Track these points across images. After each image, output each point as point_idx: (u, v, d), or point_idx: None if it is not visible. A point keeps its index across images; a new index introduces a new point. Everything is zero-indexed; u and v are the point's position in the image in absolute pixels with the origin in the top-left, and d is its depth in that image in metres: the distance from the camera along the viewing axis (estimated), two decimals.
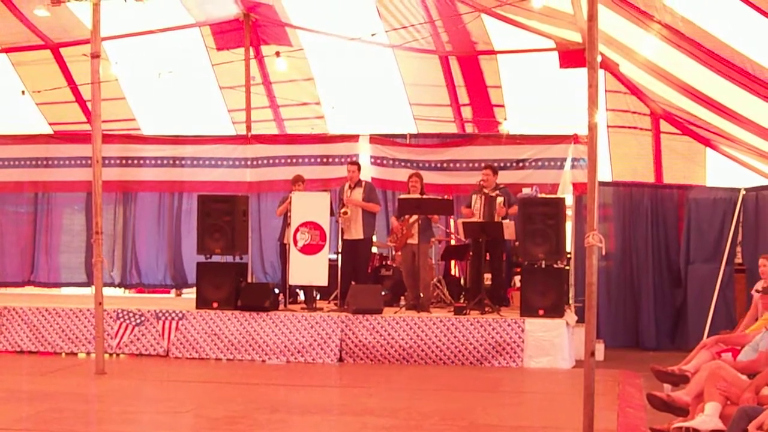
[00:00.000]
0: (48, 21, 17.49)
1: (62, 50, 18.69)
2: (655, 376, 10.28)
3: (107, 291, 15.91)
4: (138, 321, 15.35)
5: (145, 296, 19.06)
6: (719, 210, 16.53)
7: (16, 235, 19.44)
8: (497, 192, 15.57)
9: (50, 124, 19.88)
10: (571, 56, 15.65)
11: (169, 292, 19.09)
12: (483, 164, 16.33)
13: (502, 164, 16.66)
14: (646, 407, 9.97)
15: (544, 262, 14.85)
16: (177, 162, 18.37)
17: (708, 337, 12.93)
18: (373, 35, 14.70)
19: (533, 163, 16.97)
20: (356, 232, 15.88)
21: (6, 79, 19.04)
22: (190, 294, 17.37)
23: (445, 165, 17.43)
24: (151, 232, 19.04)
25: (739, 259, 16.42)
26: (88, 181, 14.77)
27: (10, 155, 18.75)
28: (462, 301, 16.04)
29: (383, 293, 15.64)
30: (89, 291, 16.73)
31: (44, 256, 19.34)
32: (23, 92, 17.88)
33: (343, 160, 17.27)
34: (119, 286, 19.18)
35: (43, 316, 15.61)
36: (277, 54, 16.61)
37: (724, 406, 8.13)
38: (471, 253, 15.84)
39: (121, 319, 15.35)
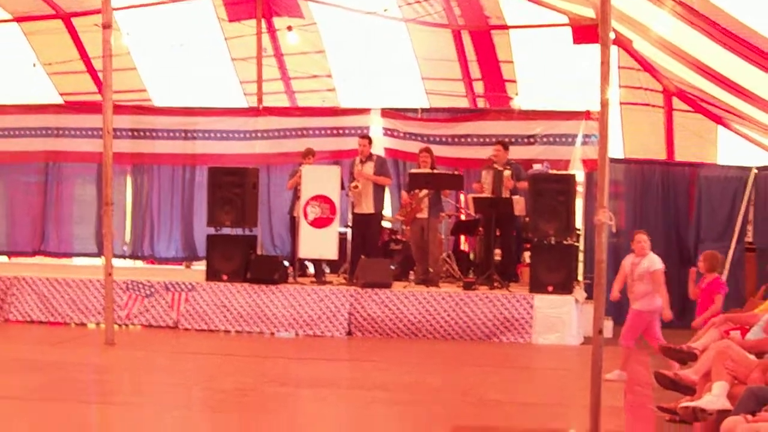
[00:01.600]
0: None
1: (74, 20, 18.62)
2: (662, 353, 10.26)
3: (118, 262, 15.94)
4: (148, 292, 15.39)
5: (155, 267, 19.07)
6: (730, 188, 16.47)
7: (27, 205, 19.48)
8: (506, 166, 15.56)
9: (61, 94, 19.81)
10: (585, 32, 15.56)
11: (180, 264, 19.11)
12: (494, 139, 16.32)
13: (513, 140, 16.63)
14: (654, 385, 9.97)
15: (553, 238, 14.85)
16: (189, 134, 18.39)
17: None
18: (385, 10, 14.65)
19: (544, 139, 16.94)
20: (367, 207, 15.87)
21: (18, 48, 19.00)
22: (200, 266, 17.37)
23: (456, 139, 17.41)
24: (164, 204, 19.07)
25: (749, 238, 16.38)
26: (99, 152, 14.75)
27: (21, 125, 18.81)
28: (471, 276, 16.03)
29: (392, 267, 15.66)
30: (99, 262, 16.75)
31: (54, 226, 19.36)
32: (34, 64, 17.87)
33: (354, 132, 17.27)
34: (130, 257, 19.22)
35: (53, 286, 15.65)
36: (289, 28, 16.59)
37: (732, 385, 8.11)
38: (481, 229, 15.84)
39: (131, 290, 15.39)
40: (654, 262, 11.63)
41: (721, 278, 11.25)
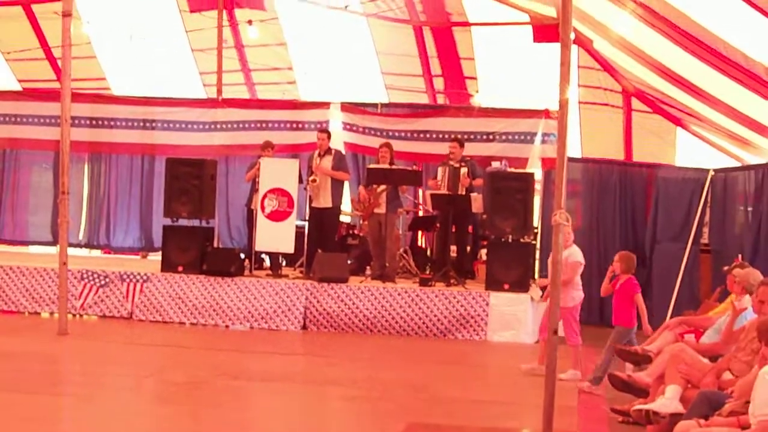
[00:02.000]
0: None
1: (34, 7, 18.46)
2: (617, 354, 10.32)
3: (73, 251, 15.81)
4: (102, 282, 15.27)
5: (110, 257, 18.96)
6: (687, 190, 16.55)
7: None
8: (462, 163, 15.57)
9: (19, 80, 19.69)
10: (545, 31, 15.61)
11: (137, 255, 19.00)
12: (454, 135, 16.33)
13: (472, 137, 16.66)
14: (607, 386, 10.02)
15: (511, 236, 14.86)
16: (148, 124, 18.32)
17: (671, 317, 13.01)
18: (346, 7, 14.62)
19: (503, 137, 16.99)
20: (324, 201, 15.82)
21: None
22: (156, 257, 17.27)
23: (415, 135, 17.46)
24: (121, 194, 18.97)
25: (705, 240, 16.48)
26: (56, 140, 14.63)
27: None
28: (428, 272, 16.03)
29: (349, 262, 15.63)
30: (55, 250, 16.62)
31: (10, 214, 19.22)
32: None
33: (313, 126, 17.26)
34: (86, 246, 19.10)
35: (6, 274, 15.49)
36: (249, 22, 16.53)
37: (685, 389, 8.16)
38: (438, 225, 15.84)
39: (86, 280, 15.26)
40: (573, 254, 11.62)
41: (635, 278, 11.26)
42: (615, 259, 11.31)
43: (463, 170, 15.46)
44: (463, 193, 15.43)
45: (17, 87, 19.54)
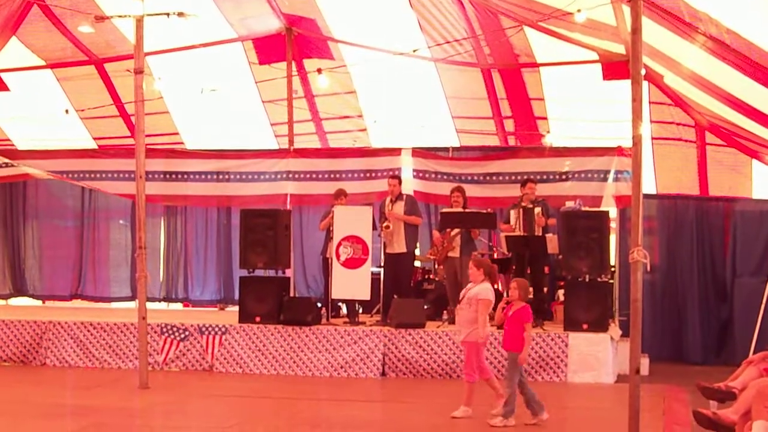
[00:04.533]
0: (92, 36, 17.62)
1: (106, 65, 18.77)
2: (701, 392, 10.16)
3: (153, 305, 15.96)
4: (182, 336, 15.39)
5: (189, 310, 19.12)
6: (766, 222, 16.36)
7: (64, 249, 19.70)
8: (535, 204, 15.52)
9: (94, 138, 19.99)
10: (615, 68, 15.53)
11: (215, 307, 19.14)
12: (526, 177, 16.27)
13: (544, 177, 16.60)
14: (693, 424, 9.85)
15: (587, 275, 14.76)
16: (221, 177, 18.47)
17: (754, 352, 12.81)
18: (415, 51, 14.66)
19: (576, 176, 16.87)
20: (399, 246, 15.85)
21: (51, 94, 19.17)
22: (234, 309, 17.37)
23: (487, 178, 17.38)
24: (198, 247, 19.19)
25: None
26: (132, 194, 14.81)
27: (58, 168, 18.98)
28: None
29: (426, 307, 15.60)
30: (135, 305, 16.79)
31: (91, 270, 19.54)
32: (66, 111, 18.06)
33: (385, 174, 17.29)
34: (165, 300, 19.30)
35: (88, 330, 15.67)
36: (319, 71, 16.66)
37: None
38: (513, 267, 15.76)
39: (166, 334, 15.40)
40: (485, 290, 11.45)
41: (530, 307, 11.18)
42: (512, 286, 11.27)
43: (537, 210, 15.41)
44: (539, 233, 15.36)
45: (92, 144, 19.83)
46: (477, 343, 11.40)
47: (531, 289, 15.36)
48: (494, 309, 11.60)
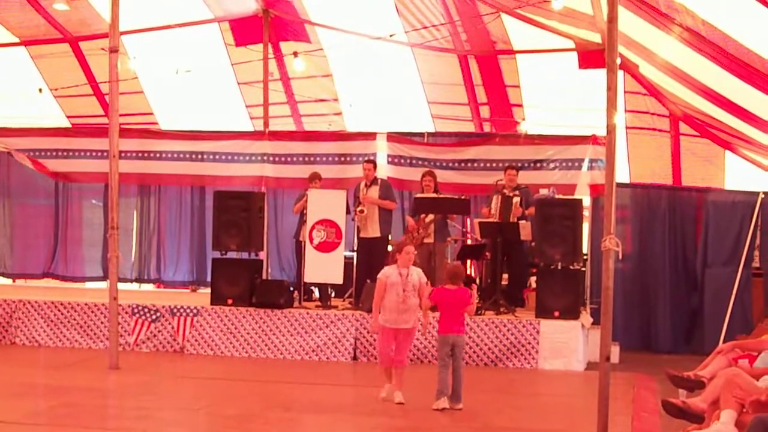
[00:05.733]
0: (67, 14, 17.53)
1: (81, 44, 18.68)
2: (670, 381, 10.20)
3: (125, 286, 15.90)
4: (154, 317, 15.34)
5: (161, 291, 19.07)
6: (737, 213, 16.45)
7: (36, 227, 19.61)
8: (515, 192, 15.54)
9: (68, 116, 19.90)
10: (591, 57, 15.56)
11: (188, 288, 19.11)
12: (501, 164, 16.33)
13: (519, 164, 16.61)
14: (661, 412, 9.90)
15: (560, 263, 14.79)
16: (196, 156, 18.39)
17: (724, 341, 12.89)
18: (392, 36, 14.66)
19: (551, 164, 16.90)
20: (373, 231, 15.86)
21: (25, 72, 19.07)
22: (206, 290, 17.34)
23: (462, 164, 17.39)
24: (171, 228, 19.15)
25: (756, 263, 16.34)
26: (106, 172, 14.71)
27: (31, 146, 18.86)
28: (477, 301, 15.96)
29: None
30: (107, 285, 16.73)
31: (63, 249, 19.45)
32: (40, 90, 17.98)
33: (360, 158, 17.23)
34: (137, 281, 19.24)
35: (59, 310, 15.60)
36: (295, 54, 16.62)
37: (740, 414, 8.06)
38: (487, 253, 15.79)
39: (137, 315, 15.34)
40: (422, 274, 11.55)
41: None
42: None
43: (516, 200, 15.43)
44: (513, 221, 15.39)
45: (66, 123, 19.73)
46: (411, 329, 11.50)
47: (505, 276, 15.63)
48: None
